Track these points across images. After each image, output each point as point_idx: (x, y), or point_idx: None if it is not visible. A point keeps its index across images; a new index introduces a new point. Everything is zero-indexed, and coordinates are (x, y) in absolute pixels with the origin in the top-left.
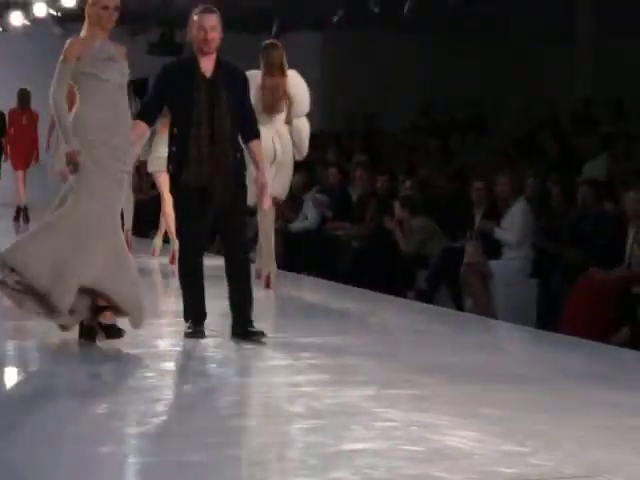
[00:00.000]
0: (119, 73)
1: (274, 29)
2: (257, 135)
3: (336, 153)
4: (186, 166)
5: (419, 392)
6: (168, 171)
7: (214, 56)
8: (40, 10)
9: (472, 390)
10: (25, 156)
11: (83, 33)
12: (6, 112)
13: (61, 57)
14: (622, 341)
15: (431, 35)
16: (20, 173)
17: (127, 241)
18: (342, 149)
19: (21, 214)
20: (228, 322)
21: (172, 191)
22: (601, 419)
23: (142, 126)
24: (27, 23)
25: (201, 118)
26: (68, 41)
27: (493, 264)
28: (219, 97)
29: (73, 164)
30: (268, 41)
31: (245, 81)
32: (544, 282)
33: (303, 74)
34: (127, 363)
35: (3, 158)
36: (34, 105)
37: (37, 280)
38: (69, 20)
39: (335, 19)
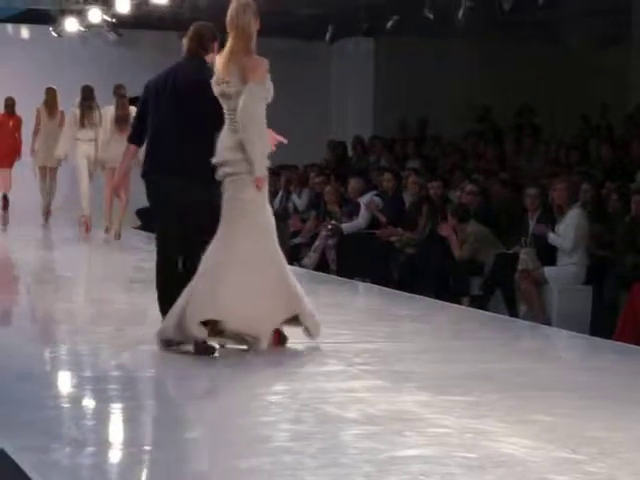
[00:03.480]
0: None
1: (328, 35)
2: None
3: (389, 159)
4: None
5: (473, 399)
6: None
7: None
8: (95, 16)
9: (526, 397)
10: (10, 155)
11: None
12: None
13: (256, 77)
14: None
15: (483, 41)
16: (6, 170)
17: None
18: (395, 155)
19: (4, 200)
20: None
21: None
22: None
23: None
24: (82, 29)
25: None
26: (261, 60)
27: (547, 270)
28: None
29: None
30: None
31: None
32: (598, 289)
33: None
34: (180, 367)
35: None
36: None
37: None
38: (123, 26)
39: (389, 25)
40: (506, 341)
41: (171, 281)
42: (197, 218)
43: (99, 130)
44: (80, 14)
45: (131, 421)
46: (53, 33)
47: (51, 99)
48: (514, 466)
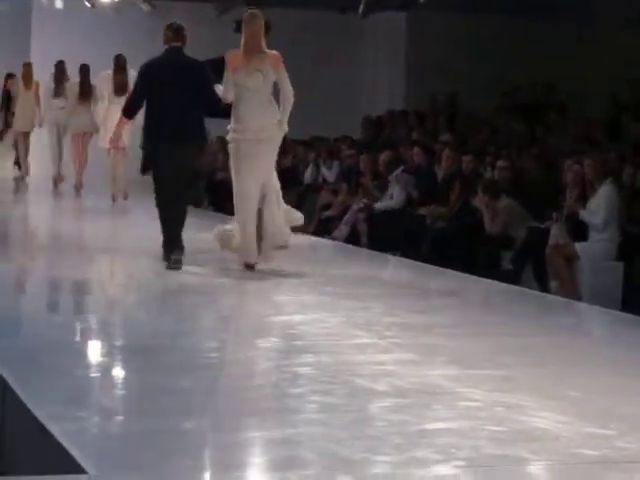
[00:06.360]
0: None
1: (360, 9)
2: None
3: (421, 133)
4: None
5: (502, 373)
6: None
7: None
8: None
9: (556, 372)
10: None
11: None
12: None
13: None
14: None
15: (512, 17)
16: None
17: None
18: (426, 129)
19: None
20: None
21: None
22: None
23: None
24: (115, 0)
25: None
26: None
27: (579, 246)
28: None
29: None
30: None
31: None
32: (630, 265)
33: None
34: (209, 337)
35: None
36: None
37: None
38: None
39: (421, 0)
40: (536, 316)
41: (172, 213)
42: (185, 174)
43: (68, 100)
44: None
45: (161, 391)
46: (87, 4)
47: (27, 72)
48: (545, 440)
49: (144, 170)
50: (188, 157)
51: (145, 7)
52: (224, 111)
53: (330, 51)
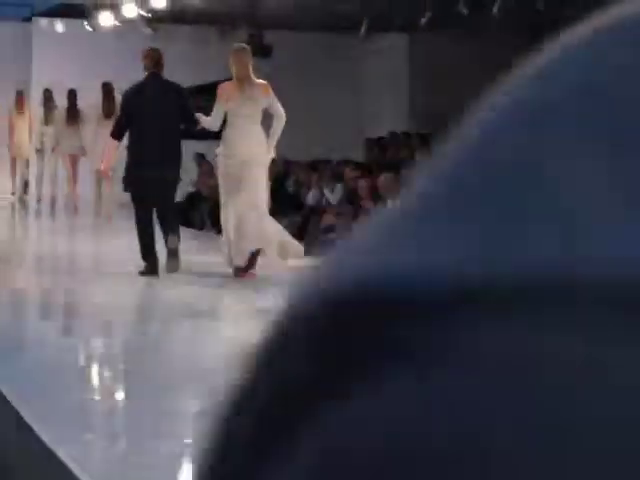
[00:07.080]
0: None
1: (362, 31)
2: None
3: (425, 154)
4: None
5: None
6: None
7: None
8: (130, 11)
9: None
10: None
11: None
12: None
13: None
14: None
15: (515, 37)
16: None
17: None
18: (430, 150)
19: None
20: None
21: None
22: None
23: None
24: (117, 24)
25: None
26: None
27: None
28: None
29: None
30: None
31: None
32: None
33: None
34: (205, 357)
35: None
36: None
37: None
38: (158, 21)
39: (423, 21)
40: None
41: (149, 231)
42: (166, 196)
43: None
44: (115, 8)
45: (168, 415)
46: (88, 27)
47: (20, 101)
48: None
49: (125, 188)
50: (166, 181)
51: (147, 30)
52: (204, 132)
53: (332, 73)
